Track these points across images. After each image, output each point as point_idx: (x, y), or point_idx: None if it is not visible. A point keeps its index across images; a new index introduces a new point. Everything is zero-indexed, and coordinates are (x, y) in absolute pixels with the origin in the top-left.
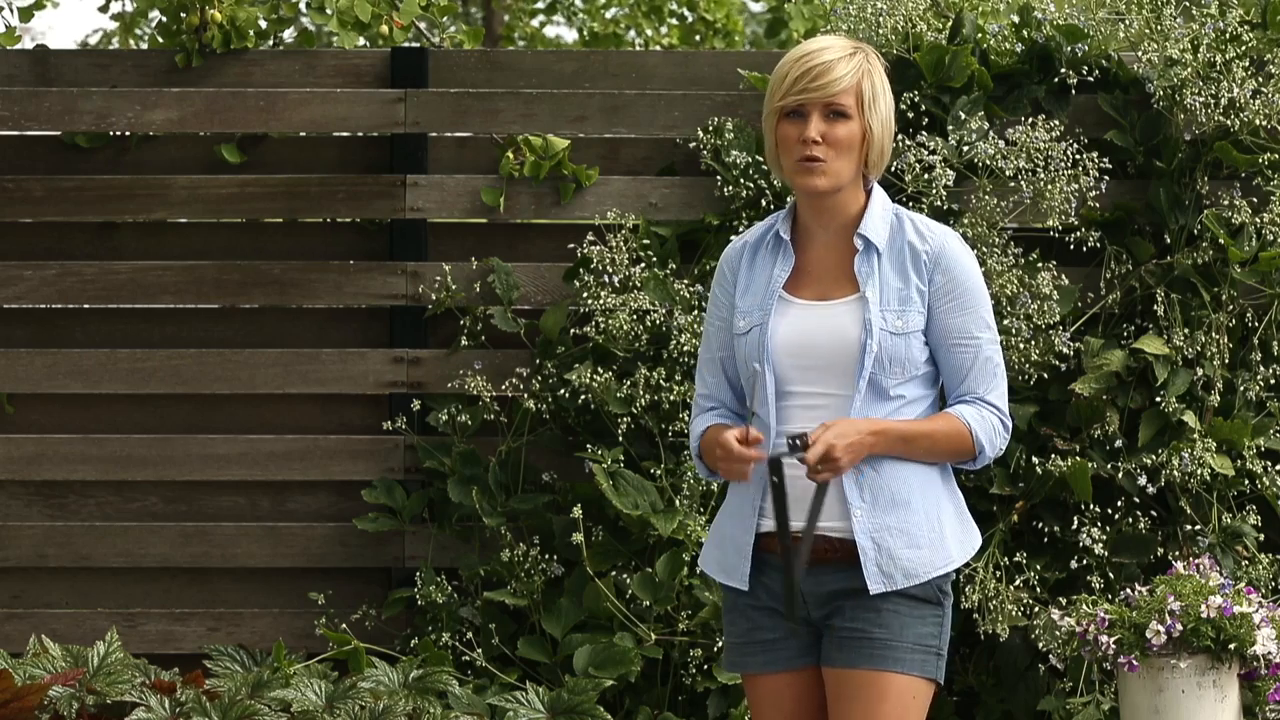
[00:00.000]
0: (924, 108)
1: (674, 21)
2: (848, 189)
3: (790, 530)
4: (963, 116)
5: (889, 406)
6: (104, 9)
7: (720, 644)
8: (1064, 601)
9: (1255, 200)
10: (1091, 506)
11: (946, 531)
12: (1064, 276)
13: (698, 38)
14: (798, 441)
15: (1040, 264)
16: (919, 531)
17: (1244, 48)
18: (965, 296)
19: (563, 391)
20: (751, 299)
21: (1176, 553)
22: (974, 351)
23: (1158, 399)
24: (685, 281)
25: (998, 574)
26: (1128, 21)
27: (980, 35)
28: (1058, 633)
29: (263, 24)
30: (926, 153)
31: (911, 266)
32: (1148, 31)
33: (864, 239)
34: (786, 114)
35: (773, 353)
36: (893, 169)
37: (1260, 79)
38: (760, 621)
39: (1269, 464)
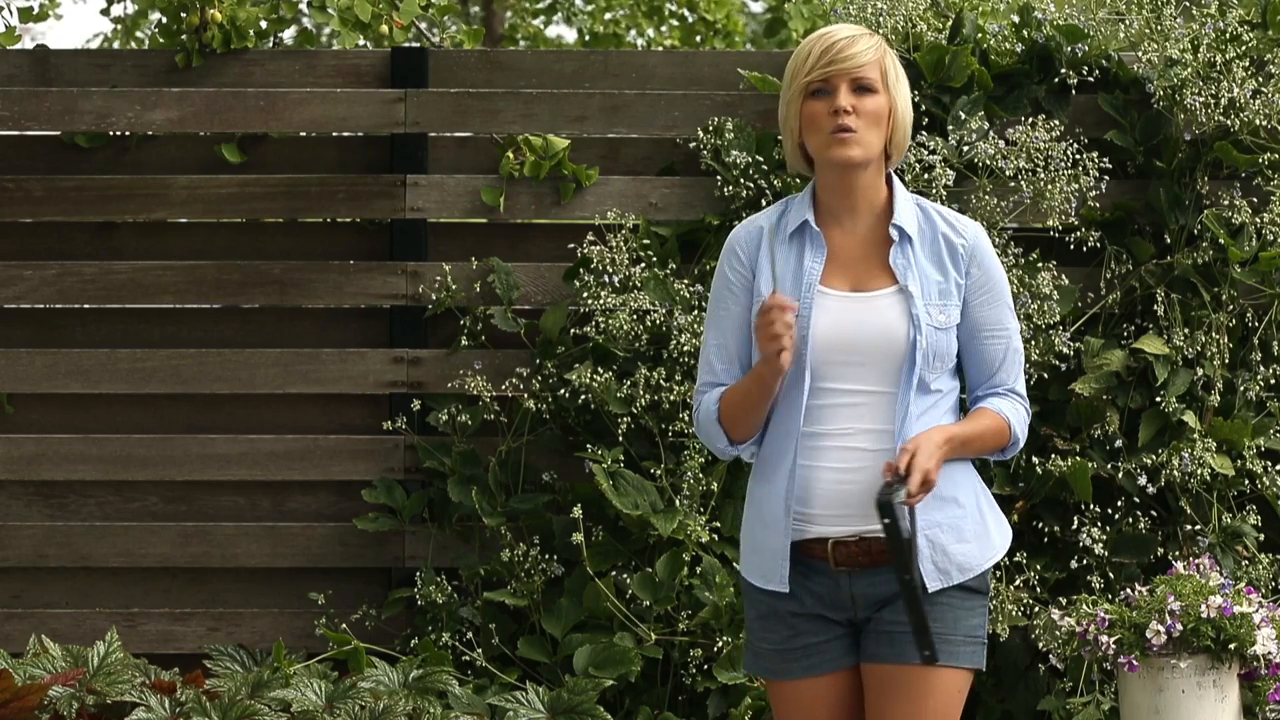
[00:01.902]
0: (924, 108)
1: (674, 22)
2: (872, 171)
3: (910, 566)
4: (963, 116)
5: (930, 401)
6: (105, 11)
7: (720, 644)
8: (1064, 601)
9: (1255, 200)
10: (1091, 506)
11: (989, 523)
12: (1064, 276)
13: (698, 38)
14: (897, 474)
15: (1040, 264)
16: (966, 525)
17: (1244, 48)
18: (998, 288)
19: (563, 391)
20: (778, 288)
21: (1176, 553)
22: (1005, 342)
23: (1158, 399)
24: (685, 281)
25: (998, 574)
26: (1128, 21)
27: (980, 35)
28: (1058, 633)
29: (263, 24)
30: (926, 153)
31: (949, 260)
32: (1148, 31)
33: (899, 229)
34: (812, 92)
35: (812, 347)
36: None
37: (1260, 79)
38: (802, 628)
39: (1269, 464)
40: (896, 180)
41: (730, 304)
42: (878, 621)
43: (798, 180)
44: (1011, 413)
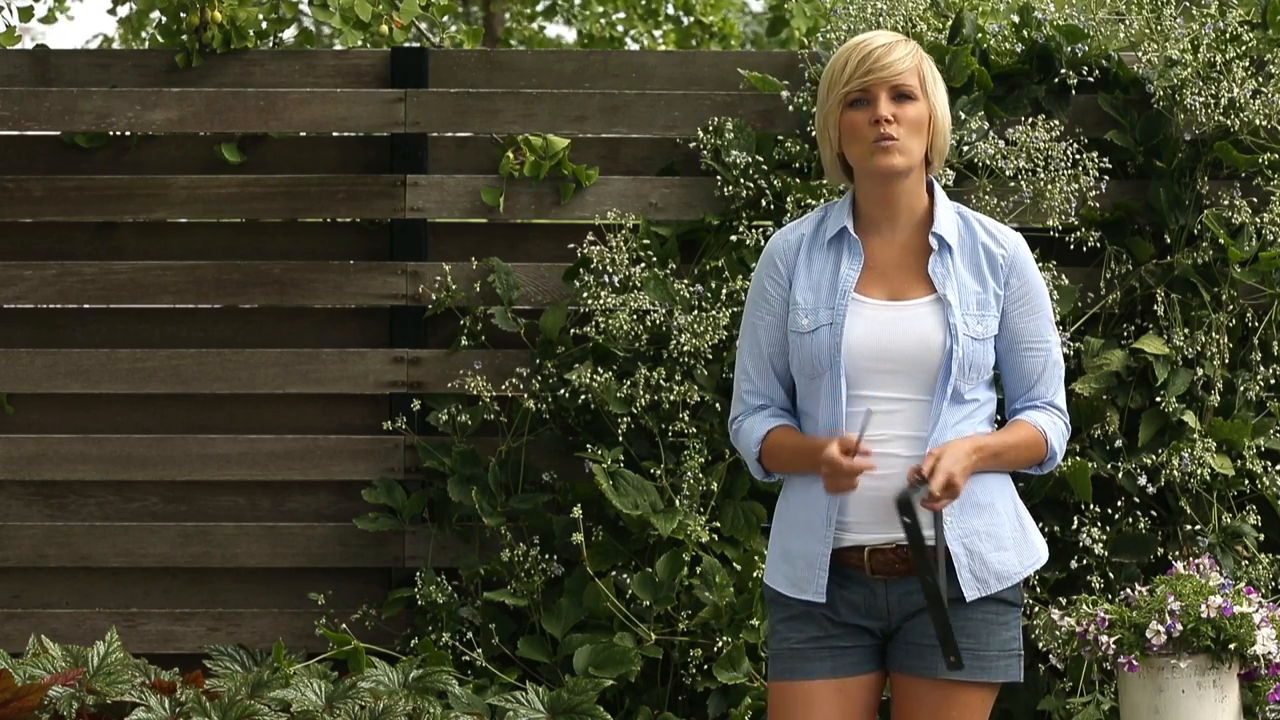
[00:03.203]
0: None
1: (669, 26)
2: (914, 179)
3: (933, 569)
4: (963, 116)
5: (965, 410)
6: (112, 11)
7: (720, 644)
8: (1064, 601)
9: (1255, 200)
10: (1091, 506)
11: (1028, 529)
12: (1064, 276)
13: (694, 41)
14: (920, 476)
15: (1040, 264)
16: (1004, 533)
17: (1244, 48)
18: (1037, 299)
19: (563, 391)
20: (814, 296)
21: (1176, 553)
22: (1044, 355)
23: (1158, 399)
24: (685, 281)
25: None
26: (1128, 21)
27: (980, 35)
28: (1058, 633)
29: (263, 24)
30: None
31: (989, 270)
32: (1148, 32)
33: (939, 238)
34: (851, 103)
35: (847, 355)
36: None
37: (1260, 79)
38: (832, 631)
39: (1269, 464)
40: (938, 188)
41: (766, 314)
42: (906, 632)
43: (797, 180)
44: (1049, 426)
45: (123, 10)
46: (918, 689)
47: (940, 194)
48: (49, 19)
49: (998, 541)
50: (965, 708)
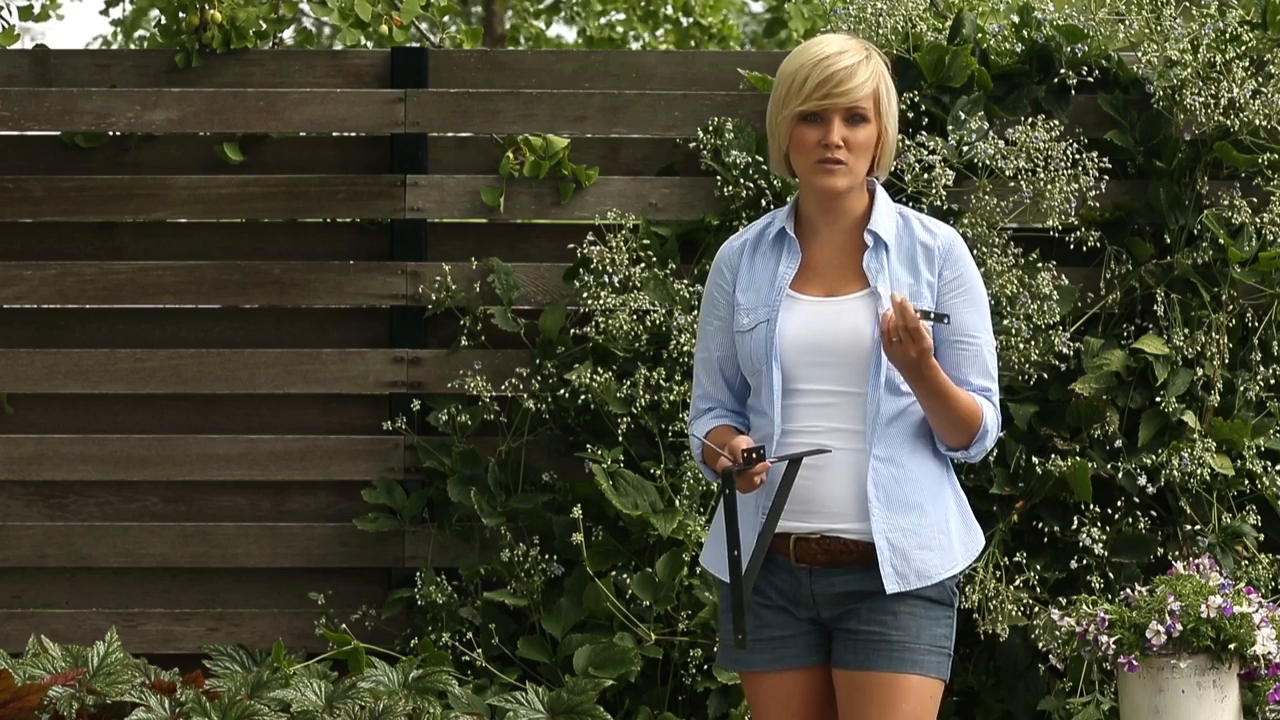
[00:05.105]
0: (924, 108)
1: (669, 27)
2: (855, 190)
3: (737, 540)
4: (963, 116)
5: (903, 402)
6: (104, 12)
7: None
8: (1064, 601)
9: (1255, 200)
10: (1091, 506)
11: (953, 534)
12: (1064, 276)
13: (693, 43)
14: (748, 458)
15: (1040, 264)
16: (929, 533)
17: (1244, 48)
18: (971, 294)
19: (563, 391)
20: (754, 296)
21: (1176, 553)
22: (974, 350)
23: (1158, 399)
24: (685, 281)
25: (998, 574)
26: (1128, 22)
27: (980, 35)
28: (1058, 633)
29: (263, 24)
30: (926, 153)
31: (923, 261)
32: (1148, 32)
33: (874, 235)
34: (805, 117)
35: (781, 350)
36: (893, 169)
37: (1260, 79)
38: (768, 619)
39: (1269, 464)
40: (880, 189)
41: (714, 318)
42: (843, 628)
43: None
44: (987, 408)
45: (115, 12)
46: (861, 683)
47: (881, 195)
48: (41, 16)
49: (922, 540)
50: (916, 699)
